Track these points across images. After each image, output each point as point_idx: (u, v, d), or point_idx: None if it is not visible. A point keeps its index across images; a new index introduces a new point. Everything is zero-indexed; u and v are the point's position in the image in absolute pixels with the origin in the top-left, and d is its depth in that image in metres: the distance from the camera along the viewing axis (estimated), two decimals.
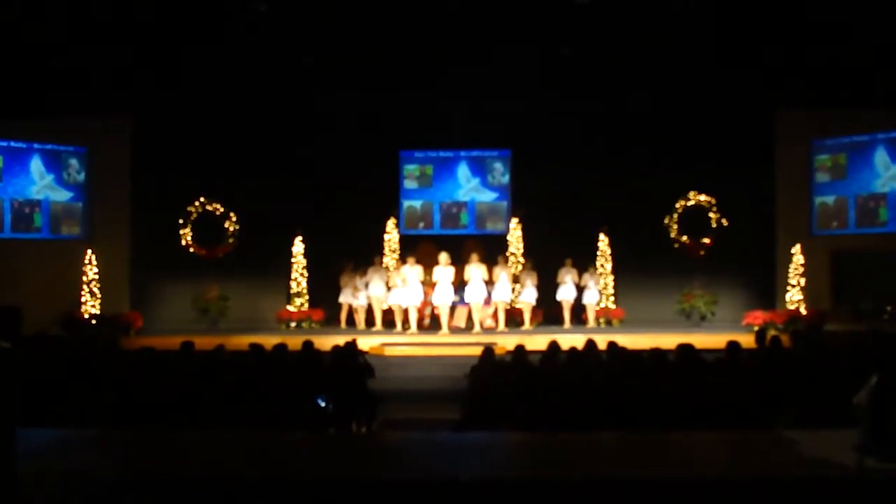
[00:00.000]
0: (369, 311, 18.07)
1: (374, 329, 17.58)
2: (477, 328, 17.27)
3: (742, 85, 17.39)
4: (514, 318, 18.04)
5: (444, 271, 16.96)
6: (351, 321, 18.31)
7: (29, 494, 5.45)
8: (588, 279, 18.22)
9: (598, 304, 18.44)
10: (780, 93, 17.60)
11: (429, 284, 17.71)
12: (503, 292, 17.42)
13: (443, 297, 16.97)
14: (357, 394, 9.83)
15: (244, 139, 18.88)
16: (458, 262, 17.47)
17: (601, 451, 7.10)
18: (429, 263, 17.62)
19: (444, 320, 17.07)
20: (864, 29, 15.20)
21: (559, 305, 18.24)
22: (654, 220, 18.94)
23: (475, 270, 17.09)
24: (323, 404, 9.02)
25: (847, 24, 15.11)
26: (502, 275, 17.42)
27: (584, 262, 18.50)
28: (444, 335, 16.74)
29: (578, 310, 18.46)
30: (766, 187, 18.86)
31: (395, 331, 17.30)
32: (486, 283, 17.26)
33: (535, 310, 18.12)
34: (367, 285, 17.80)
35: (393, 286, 17.44)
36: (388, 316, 17.76)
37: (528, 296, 17.85)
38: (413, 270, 17.13)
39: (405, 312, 17.32)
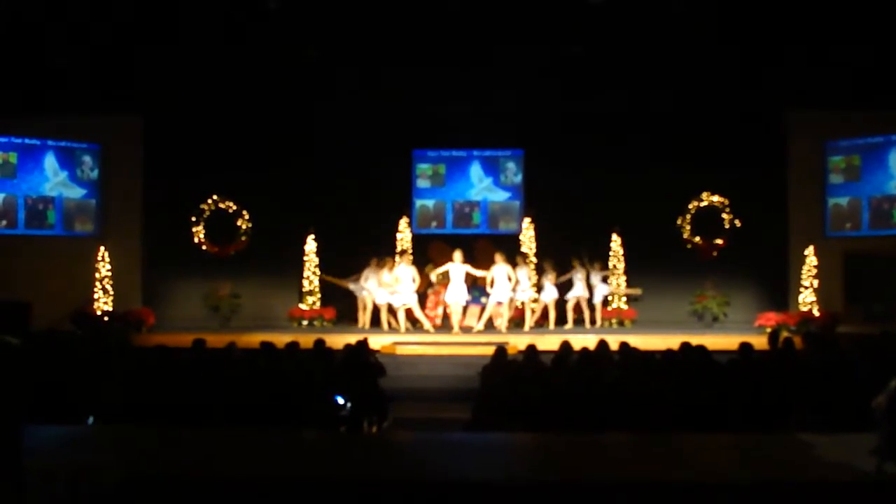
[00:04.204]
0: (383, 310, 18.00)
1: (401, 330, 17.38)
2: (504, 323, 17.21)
3: (756, 85, 17.33)
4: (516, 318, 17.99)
5: (457, 269, 16.89)
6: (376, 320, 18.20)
7: (36, 491, 5.46)
8: (593, 277, 18.12)
9: (603, 303, 18.31)
10: (794, 93, 17.52)
11: (440, 283, 17.73)
12: (503, 292, 17.21)
13: (455, 296, 16.92)
14: (368, 393, 9.83)
15: (257, 137, 18.87)
16: (471, 262, 17.43)
17: (613, 452, 7.08)
18: (441, 263, 17.60)
19: (455, 319, 17.02)
20: (879, 29, 15.14)
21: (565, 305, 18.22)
22: (666, 220, 18.86)
23: (500, 269, 16.98)
24: (341, 401, 9.03)
25: (861, 24, 15.05)
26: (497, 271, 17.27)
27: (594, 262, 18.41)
28: (455, 334, 16.71)
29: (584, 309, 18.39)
30: (779, 188, 18.77)
31: (401, 331, 17.17)
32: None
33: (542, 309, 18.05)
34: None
35: (383, 285, 17.37)
36: (410, 315, 17.53)
37: (549, 294, 17.79)
38: (407, 270, 17.05)
39: (403, 312, 17.22)
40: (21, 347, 5.55)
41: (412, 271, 17.04)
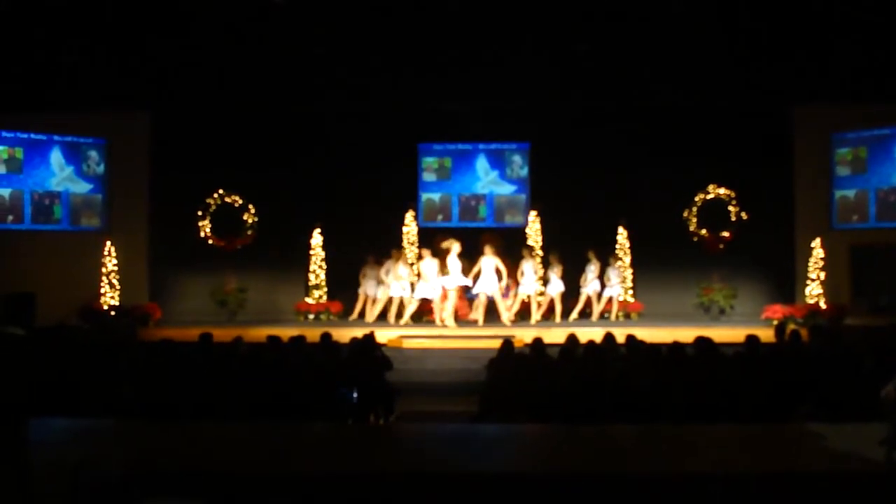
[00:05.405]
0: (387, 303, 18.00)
1: (401, 322, 17.40)
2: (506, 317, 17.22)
3: (762, 78, 17.28)
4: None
5: (452, 261, 16.88)
6: (364, 313, 18.30)
7: (40, 483, 5.46)
8: (610, 271, 18.18)
9: (598, 295, 18.35)
10: (800, 86, 17.46)
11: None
12: (489, 283, 17.21)
13: (451, 282, 16.87)
14: (375, 386, 9.83)
15: (263, 132, 18.88)
16: (478, 255, 17.47)
17: (619, 444, 7.08)
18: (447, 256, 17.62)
19: (442, 309, 17.00)
20: (884, 22, 15.09)
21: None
22: (673, 213, 18.86)
23: (488, 262, 16.96)
24: (348, 395, 9.03)
25: (867, 17, 14.99)
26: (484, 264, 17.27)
27: (603, 256, 18.40)
28: (440, 326, 16.79)
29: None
30: (785, 181, 18.74)
31: (402, 322, 17.20)
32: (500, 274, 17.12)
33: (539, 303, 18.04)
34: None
35: (398, 278, 17.41)
36: (428, 307, 17.52)
37: (555, 288, 17.82)
38: (430, 264, 17.08)
39: (416, 304, 17.26)
40: (25, 338, 5.55)
41: (436, 264, 17.05)
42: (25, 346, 5.55)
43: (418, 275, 17.59)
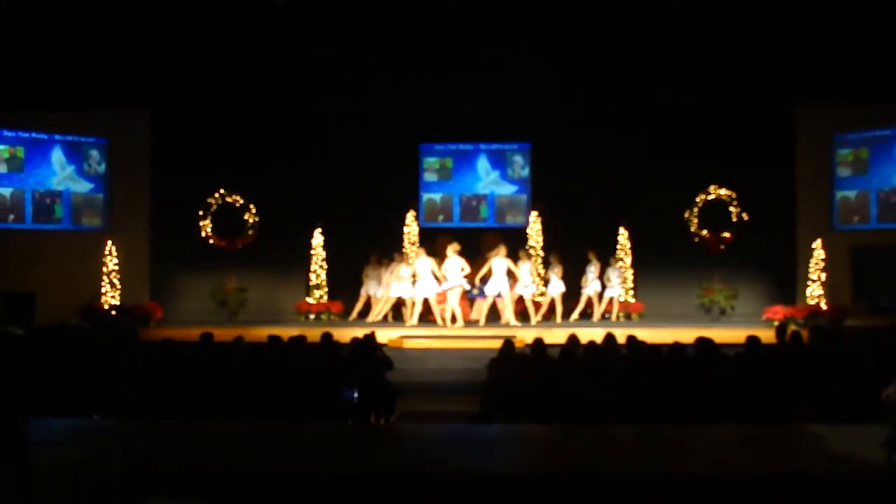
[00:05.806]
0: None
1: (408, 323, 17.37)
2: (510, 319, 17.21)
3: (762, 78, 17.27)
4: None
5: (453, 262, 16.88)
6: (363, 314, 18.34)
7: (41, 484, 5.46)
8: (610, 271, 18.19)
9: (599, 295, 18.36)
10: (801, 86, 17.45)
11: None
12: (500, 284, 17.20)
13: (452, 284, 16.88)
14: (376, 386, 9.83)
15: (264, 131, 18.88)
16: (479, 255, 17.44)
17: (619, 444, 7.08)
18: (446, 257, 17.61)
19: (458, 312, 16.98)
20: (885, 22, 15.08)
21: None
22: (674, 213, 18.84)
23: (500, 263, 16.95)
24: (349, 394, 9.03)
25: (867, 17, 14.99)
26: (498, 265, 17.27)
27: (604, 256, 18.40)
28: (441, 326, 16.80)
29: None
30: (787, 181, 18.72)
31: (409, 323, 17.20)
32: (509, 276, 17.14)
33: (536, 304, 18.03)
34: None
35: (399, 279, 17.45)
36: (426, 306, 17.53)
37: (555, 288, 17.85)
38: (424, 262, 17.07)
39: (420, 305, 17.25)
40: (25, 337, 5.55)
41: (431, 263, 17.04)
42: (25, 345, 5.54)
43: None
